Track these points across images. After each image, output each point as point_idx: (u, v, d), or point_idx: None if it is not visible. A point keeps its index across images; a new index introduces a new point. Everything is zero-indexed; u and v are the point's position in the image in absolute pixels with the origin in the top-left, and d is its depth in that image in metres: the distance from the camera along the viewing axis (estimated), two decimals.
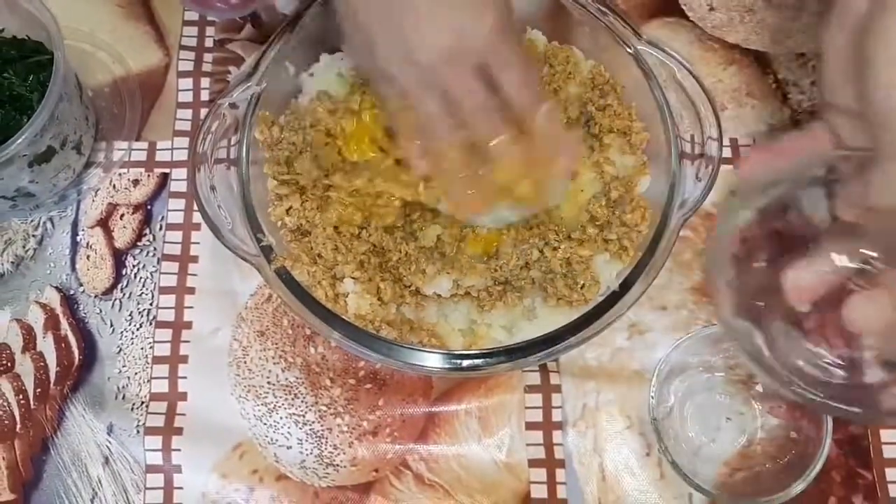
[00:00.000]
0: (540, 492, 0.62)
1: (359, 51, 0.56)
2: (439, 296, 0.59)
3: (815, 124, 0.52)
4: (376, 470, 0.63)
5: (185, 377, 0.65)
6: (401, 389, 0.64)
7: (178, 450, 0.63)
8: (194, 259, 0.68)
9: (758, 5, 0.75)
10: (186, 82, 0.74)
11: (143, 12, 0.77)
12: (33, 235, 0.69)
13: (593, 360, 0.65)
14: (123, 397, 0.65)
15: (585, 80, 0.64)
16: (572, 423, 0.63)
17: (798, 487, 0.57)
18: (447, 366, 0.54)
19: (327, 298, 0.57)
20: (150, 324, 0.67)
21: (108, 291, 0.68)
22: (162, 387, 0.65)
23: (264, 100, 0.60)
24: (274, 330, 0.66)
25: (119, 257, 0.69)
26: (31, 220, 0.70)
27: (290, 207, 0.60)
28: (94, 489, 0.62)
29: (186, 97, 0.74)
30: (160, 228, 0.69)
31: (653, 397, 0.60)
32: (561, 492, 0.62)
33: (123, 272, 0.68)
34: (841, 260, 0.46)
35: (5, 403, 0.64)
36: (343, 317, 0.55)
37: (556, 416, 0.63)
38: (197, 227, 0.69)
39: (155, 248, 0.69)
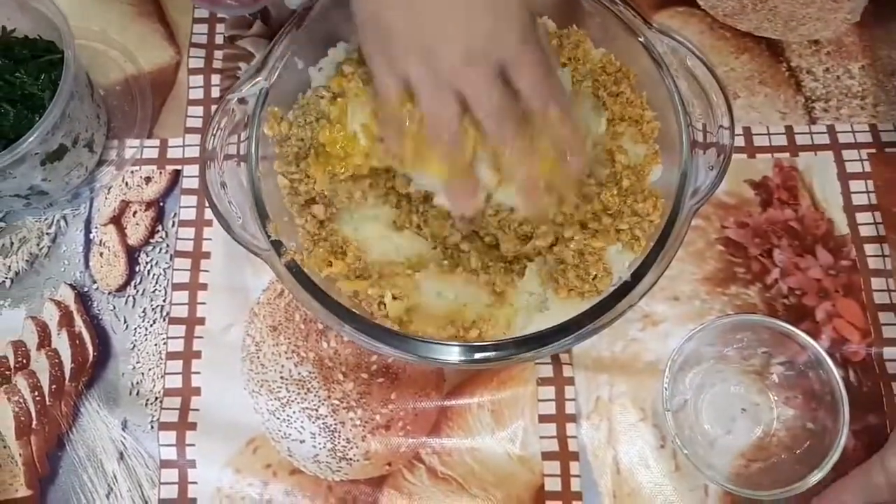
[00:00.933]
0: (554, 485, 0.62)
1: (372, 45, 0.55)
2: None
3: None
4: (389, 464, 0.63)
5: (198, 373, 0.65)
6: (413, 383, 0.64)
7: (192, 445, 0.63)
8: (207, 255, 0.69)
9: None
10: (197, 79, 0.74)
11: (154, 10, 0.77)
12: (47, 233, 0.70)
13: (606, 352, 0.64)
14: (137, 393, 0.65)
15: (595, 68, 0.63)
16: (586, 416, 0.63)
17: (815, 478, 0.56)
18: (460, 358, 0.54)
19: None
20: (164, 320, 0.67)
21: (122, 288, 0.68)
22: (176, 382, 0.65)
23: (273, 95, 0.61)
24: (286, 325, 0.66)
25: (132, 254, 0.69)
26: (45, 219, 0.70)
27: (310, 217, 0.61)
28: (109, 484, 0.63)
29: (197, 94, 0.74)
30: (173, 225, 0.70)
31: (666, 389, 0.59)
32: (575, 485, 0.62)
33: (136, 269, 0.69)
34: None
35: (21, 400, 0.65)
36: (355, 311, 0.55)
37: (570, 408, 0.63)
38: (209, 223, 0.69)
39: (167, 245, 0.69)
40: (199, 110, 0.73)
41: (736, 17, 0.74)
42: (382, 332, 0.54)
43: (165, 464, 0.63)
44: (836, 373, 0.58)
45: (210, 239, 0.69)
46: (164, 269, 0.68)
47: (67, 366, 0.66)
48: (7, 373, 0.66)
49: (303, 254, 0.57)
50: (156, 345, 0.66)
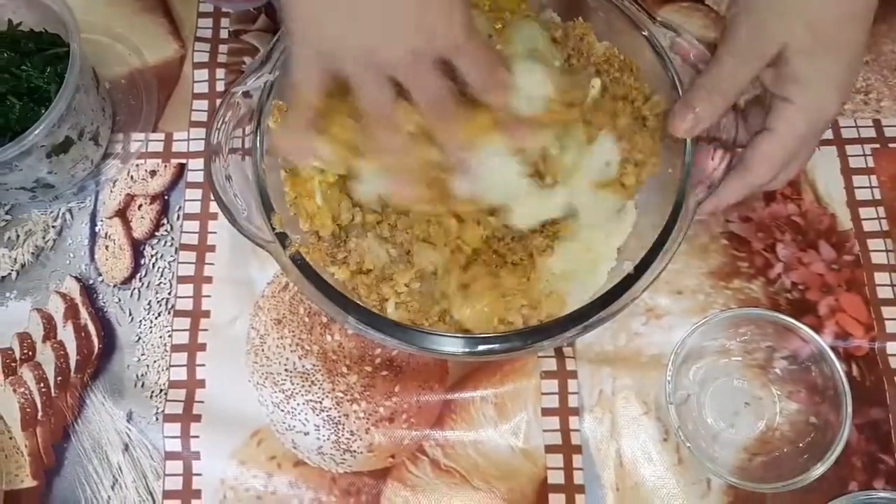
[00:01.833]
0: (557, 478, 0.62)
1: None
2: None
3: None
4: (393, 456, 0.63)
5: (203, 365, 0.65)
6: (417, 376, 0.64)
7: (197, 437, 0.63)
8: (211, 248, 0.69)
9: None
10: (202, 73, 0.74)
11: (159, 4, 0.78)
12: (53, 226, 0.70)
13: (609, 346, 0.65)
14: (142, 385, 0.65)
15: (599, 61, 0.64)
16: (589, 409, 0.63)
17: (818, 471, 0.56)
18: (463, 350, 0.54)
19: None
20: (169, 313, 0.67)
21: (127, 281, 0.68)
22: (180, 374, 0.65)
23: (278, 88, 0.61)
24: (291, 318, 0.66)
25: (137, 247, 0.69)
26: (51, 212, 0.71)
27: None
28: (114, 475, 0.63)
29: (202, 88, 0.74)
30: (178, 218, 0.70)
31: (670, 382, 0.59)
32: (578, 478, 0.62)
33: (142, 262, 0.69)
34: None
35: (27, 392, 0.65)
36: (358, 302, 0.55)
37: (573, 401, 0.63)
38: (214, 216, 0.70)
39: (172, 238, 0.69)
40: (203, 104, 0.74)
41: None
42: (386, 324, 0.54)
43: (170, 455, 0.63)
44: (839, 367, 0.58)
45: (215, 232, 0.69)
46: (169, 262, 0.69)
47: (73, 358, 0.66)
48: (13, 364, 0.66)
49: (308, 247, 0.58)
50: (161, 337, 0.67)
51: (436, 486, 0.62)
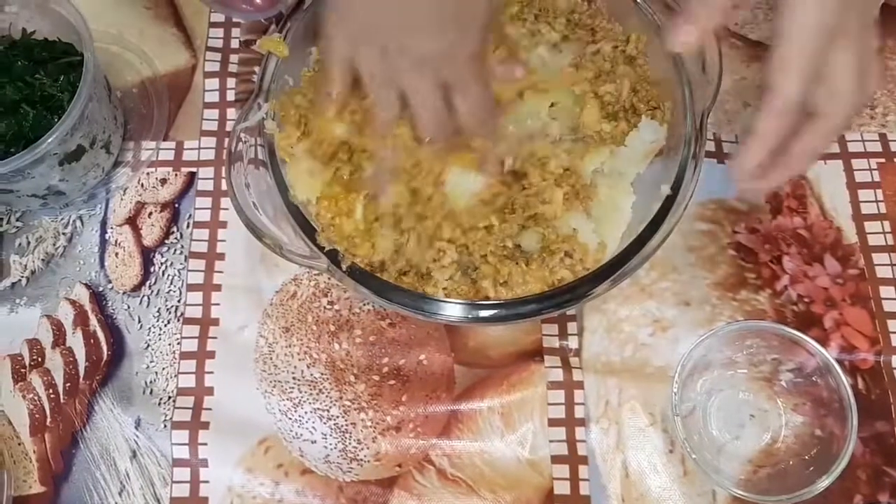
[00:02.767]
0: (563, 488, 0.62)
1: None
2: None
3: None
4: (399, 465, 0.63)
5: (211, 372, 0.66)
6: (424, 386, 0.65)
7: (205, 444, 0.63)
8: (221, 256, 0.69)
9: None
10: (213, 83, 0.75)
11: (171, 14, 0.78)
12: (63, 233, 0.71)
13: (616, 357, 0.65)
14: (151, 392, 0.66)
15: (567, 13, 0.66)
16: (595, 420, 0.63)
17: (823, 484, 0.56)
18: (466, 315, 0.56)
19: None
20: (178, 320, 0.68)
21: (137, 288, 0.69)
22: (189, 382, 0.66)
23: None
24: (299, 326, 0.67)
25: (147, 255, 0.70)
26: (61, 219, 0.71)
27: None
28: (122, 482, 0.63)
29: (213, 97, 0.75)
30: (187, 226, 0.70)
31: (676, 394, 0.60)
32: (584, 488, 0.62)
33: (151, 269, 0.69)
34: None
35: (36, 398, 0.65)
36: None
37: (579, 412, 0.63)
38: (223, 224, 0.70)
39: (182, 246, 0.70)
40: (214, 113, 0.74)
41: (747, 26, 0.75)
42: (390, 289, 0.57)
43: (178, 462, 0.63)
44: (845, 380, 0.58)
45: (224, 240, 0.70)
46: (178, 270, 0.69)
47: (82, 364, 0.66)
48: (22, 370, 0.66)
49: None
50: (169, 344, 0.67)
51: (442, 496, 0.62)
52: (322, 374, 0.65)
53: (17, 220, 0.71)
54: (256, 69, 0.75)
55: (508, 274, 0.58)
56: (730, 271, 0.67)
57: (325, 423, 0.64)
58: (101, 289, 0.69)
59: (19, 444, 0.64)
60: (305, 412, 0.64)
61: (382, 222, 0.60)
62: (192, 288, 0.68)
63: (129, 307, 0.68)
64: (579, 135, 0.63)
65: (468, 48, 0.56)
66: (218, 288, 0.68)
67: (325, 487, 0.63)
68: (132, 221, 0.71)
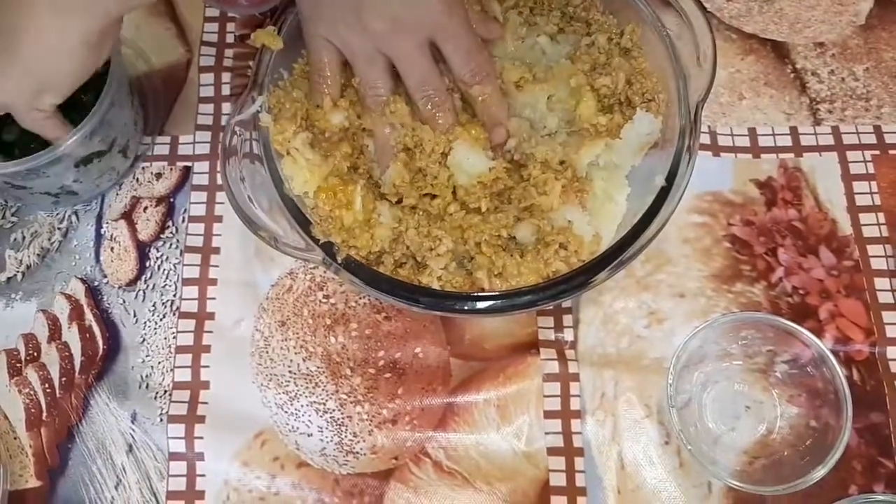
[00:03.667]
0: (559, 480, 0.62)
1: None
2: None
3: None
4: (396, 457, 0.63)
5: (207, 366, 0.66)
6: (420, 379, 0.65)
7: (201, 438, 0.63)
8: (216, 251, 0.69)
9: None
10: (208, 77, 0.75)
11: (166, 9, 0.78)
12: (58, 228, 0.71)
13: (612, 349, 0.65)
14: (147, 386, 0.66)
15: (560, 5, 0.67)
16: (591, 412, 0.63)
17: (818, 474, 0.56)
18: (466, 307, 0.56)
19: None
20: (174, 314, 0.68)
21: (132, 283, 0.69)
22: (185, 376, 0.66)
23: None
24: (295, 320, 0.67)
25: (142, 249, 0.70)
26: (57, 214, 0.71)
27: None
28: (118, 476, 0.63)
29: (208, 92, 0.75)
30: (182, 221, 0.70)
31: (671, 386, 0.60)
32: (580, 480, 0.62)
33: (147, 264, 0.69)
34: None
35: (32, 392, 0.65)
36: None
37: (575, 404, 0.64)
38: (219, 219, 0.70)
39: (178, 241, 0.70)
40: (209, 108, 0.74)
41: (742, 19, 0.75)
42: (385, 280, 0.57)
43: (174, 456, 0.63)
44: (840, 371, 0.59)
45: (220, 235, 0.70)
46: (174, 265, 0.69)
47: (78, 359, 0.66)
48: (18, 365, 0.66)
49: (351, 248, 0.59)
50: (165, 338, 0.67)
51: (438, 488, 0.62)
52: (318, 367, 0.65)
53: (12, 215, 0.71)
54: (251, 64, 0.75)
55: (503, 265, 0.58)
56: (725, 263, 0.67)
57: (321, 417, 0.64)
58: (96, 283, 0.69)
59: (15, 439, 0.64)
60: (301, 405, 0.64)
61: (381, 210, 0.60)
62: (187, 282, 0.68)
63: (124, 301, 0.68)
64: (575, 128, 0.63)
65: (442, 2, 0.55)
66: (213, 282, 0.68)
67: (322, 480, 0.63)
68: (127, 216, 0.71)
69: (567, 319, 0.66)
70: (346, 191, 0.60)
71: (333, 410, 0.64)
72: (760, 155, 0.71)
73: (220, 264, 0.69)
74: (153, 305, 0.68)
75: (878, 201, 0.69)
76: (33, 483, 0.63)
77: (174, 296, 0.68)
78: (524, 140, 0.61)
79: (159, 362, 0.66)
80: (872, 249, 0.67)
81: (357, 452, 0.63)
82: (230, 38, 0.77)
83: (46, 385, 0.66)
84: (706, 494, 0.61)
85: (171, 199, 0.71)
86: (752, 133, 0.71)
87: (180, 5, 0.78)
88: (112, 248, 0.70)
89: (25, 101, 0.55)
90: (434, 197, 0.60)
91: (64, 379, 0.66)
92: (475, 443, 0.63)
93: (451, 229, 0.59)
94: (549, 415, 0.63)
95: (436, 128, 0.60)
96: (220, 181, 0.68)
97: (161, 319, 0.68)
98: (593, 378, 0.64)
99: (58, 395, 0.65)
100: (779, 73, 0.73)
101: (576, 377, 0.64)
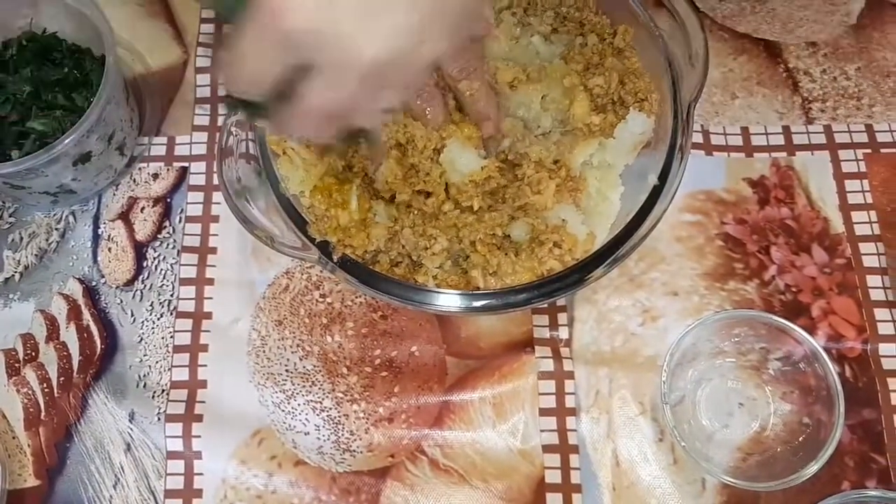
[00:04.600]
0: (554, 477, 0.63)
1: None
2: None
3: None
4: (392, 455, 0.64)
5: (205, 365, 0.66)
6: (416, 377, 0.65)
7: (199, 436, 0.64)
8: (213, 250, 0.70)
9: None
10: (204, 78, 0.75)
11: (162, 11, 0.79)
12: (56, 229, 0.71)
13: (606, 347, 0.65)
14: (145, 385, 0.66)
15: (555, 4, 0.67)
16: (586, 410, 0.64)
17: (811, 470, 0.57)
18: (460, 305, 0.57)
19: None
20: (171, 314, 0.68)
21: (130, 283, 0.69)
22: (182, 375, 0.66)
23: None
24: (291, 319, 0.67)
25: (140, 249, 0.70)
26: (54, 214, 0.71)
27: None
28: (116, 475, 0.64)
29: (204, 93, 0.75)
30: (179, 221, 0.71)
31: (665, 383, 0.60)
32: (575, 477, 0.62)
33: (144, 264, 0.70)
34: None
35: (30, 392, 0.66)
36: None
37: (570, 402, 0.64)
38: (216, 219, 0.70)
39: (175, 241, 0.70)
40: (206, 108, 0.74)
41: (735, 18, 0.75)
42: (381, 279, 0.57)
43: (172, 455, 0.64)
44: (832, 368, 0.59)
45: (216, 235, 0.70)
46: (171, 265, 0.69)
47: (75, 358, 0.67)
48: (16, 365, 0.67)
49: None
50: (163, 338, 0.67)
51: (434, 485, 0.63)
52: (315, 366, 0.65)
53: (10, 215, 0.72)
54: None
55: (498, 264, 0.58)
56: (718, 261, 0.68)
57: (317, 415, 0.64)
58: (94, 283, 0.69)
59: (14, 438, 0.65)
60: (298, 404, 0.65)
61: (376, 209, 0.60)
62: (184, 282, 0.69)
63: (122, 301, 0.69)
64: (568, 127, 0.63)
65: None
66: (210, 282, 0.69)
67: (318, 478, 0.63)
68: (125, 216, 0.71)
69: (562, 318, 0.66)
70: (341, 190, 0.61)
71: (330, 409, 0.64)
72: (753, 154, 0.71)
73: (216, 264, 0.69)
74: (150, 305, 0.68)
75: (869, 199, 0.69)
76: (32, 482, 0.64)
77: (171, 295, 0.69)
78: (518, 140, 0.62)
79: (157, 362, 0.67)
80: (864, 247, 0.68)
81: (354, 450, 0.64)
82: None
83: (45, 385, 0.66)
84: (700, 491, 0.62)
85: (168, 200, 0.72)
86: (745, 132, 0.72)
87: (176, 6, 0.79)
88: (109, 249, 0.70)
89: None
90: (429, 195, 0.60)
91: (62, 378, 0.66)
92: (471, 440, 0.64)
93: (446, 228, 0.59)
94: (544, 412, 0.64)
95: (427, 123, 0.60)
96: (216, 181, 0.68)
97: (158, 319, 0.68)
98: (588, 376, 0.65)
99: (56, 394, 0.66)
100: (771, 73, 0.74)
101: (570, 375, 0.65)
